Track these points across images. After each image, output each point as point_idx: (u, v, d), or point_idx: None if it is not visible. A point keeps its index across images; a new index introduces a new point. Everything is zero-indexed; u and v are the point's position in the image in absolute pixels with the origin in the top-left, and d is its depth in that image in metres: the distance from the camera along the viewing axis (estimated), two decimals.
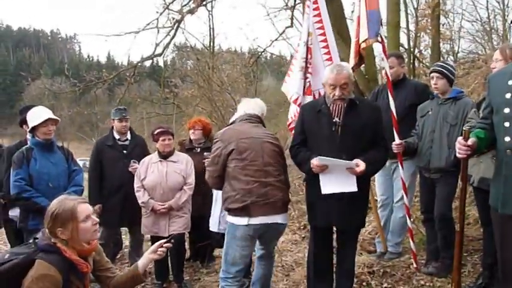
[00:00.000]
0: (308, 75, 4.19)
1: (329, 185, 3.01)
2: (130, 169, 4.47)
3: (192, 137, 4.77)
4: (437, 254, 3.82)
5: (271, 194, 3.08)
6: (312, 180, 3.16)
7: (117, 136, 4.74)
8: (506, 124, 2.37)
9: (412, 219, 4.03)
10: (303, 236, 5.51)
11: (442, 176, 3.68)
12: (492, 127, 2.50)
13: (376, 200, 4.52)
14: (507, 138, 2.36)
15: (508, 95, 2.37)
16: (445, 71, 3.73)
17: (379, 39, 3.88)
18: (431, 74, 3.82)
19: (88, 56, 64.46)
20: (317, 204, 3.14)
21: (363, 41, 3.93)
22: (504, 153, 2.38)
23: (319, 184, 3.05)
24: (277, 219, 3.14)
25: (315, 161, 3.00)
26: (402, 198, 4.05)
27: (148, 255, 2.57)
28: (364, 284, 3.77)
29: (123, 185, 4.52)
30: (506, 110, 2.37)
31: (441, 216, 3.68)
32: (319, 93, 4.13)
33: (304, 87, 4.15)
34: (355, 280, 3.54)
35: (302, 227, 5.80)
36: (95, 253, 2.46)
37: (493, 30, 20.26)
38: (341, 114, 3.07)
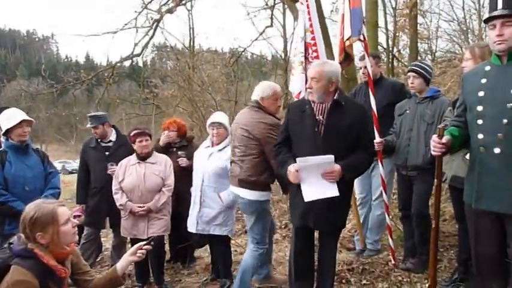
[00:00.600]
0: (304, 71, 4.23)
1: (311, 193, 2.98)
2: (108, 172, 4.45)
3: (165, 140, 4.66)
4: (414, 250, 3.90)
5: (233, 169, 3.64)
6: None
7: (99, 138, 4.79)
8: (479, 122, 2.42)
9: (390, 217, 4.08)
10: (283, 235, 5.53)
11: (419, 174, 3.74)
12: (466, 125, 2.56)
13: (356, 198, 4.57)
14: (480, 136, 2.41)
15: (480, 93, 2.42)
16: (422, 71, 3.79)
17: (361, 37, 3.93)
18: (408, 74, 3.88)
19: (66, 57, 63.40)
20: (298, 204, 3.13)
21: (347, 39, 3.97)
22: (477, 150, 2.44)
23: (297, 187, 3.06)
24: (238, 192, 3.57)
25: (292, 168, 3.01)
26: (380, 195, 4.12)
27: (128, 258, 2.55)
28: (343, 281, 3.80)
29: (104, 186, 4.53)
30: (479, 108, 2.42)
31: (418, 213, 3.74)
32: None
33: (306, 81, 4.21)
34: (335, 278, 3.57)
35: (283, 226, 5.82)
36: (73, 256, 2.43)
37: (469, 30, 20.69)
38: (324, 114, 3.07)
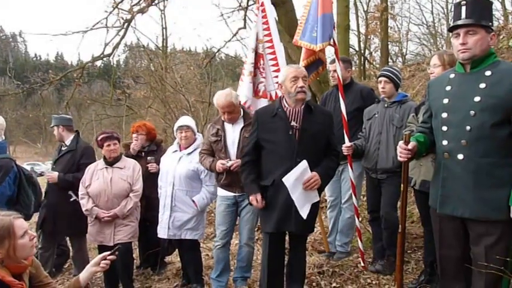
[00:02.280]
0: (262, 79, 4.34)
1: (304, 207, 3.04)
2: (45, 177, 4.48)
3: (136, 147, 4.61)
4: (383, 252, 3.94)
5: None
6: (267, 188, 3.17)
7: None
8: (444, 128, 2.46)
9: (359, 219, 4.12)
10: (256, 237, 5.50)
11: (388, 177, 3.78)
12: (431, 131, 2.61)
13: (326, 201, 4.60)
14: (445, 142, 2.46)
15: (445, 101, 2.47)
16: (393, 76, 3.85)
17: (332, 42, 3.96)
18: (380, 78, 3.91)
19: (35, 55, 61.37)
20: (275, 210, 3.11)
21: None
22: (442, 156, 2.48)
23: (272, 193, 3.08)
24: None
25: (258, 198, 3.10)
26: (350, 199, 4.15)
27: (91, 268, 2.46)
28: (314, 284, 3.80)
29: (48, 192, 4.51)
30: (444, 115, 2.46)
31: (387, 215, 3.79)
32: (276, 95, 4.29)
33: (253, 90, 4.33)
34: (306, 281, 3.58)
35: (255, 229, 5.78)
36: (31, 268, 2.33)
37: (438, 34, 21.28)
38: (299, 119, 3.06)
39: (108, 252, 2.48)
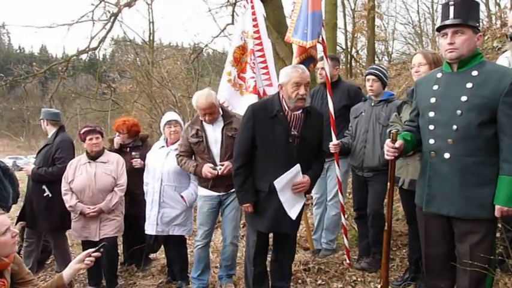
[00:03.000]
0: (253, 74, 4.31)
1: (294, 209, 3.08)
2: (22, 171, 4.44)
3: (118, 141, 4.57)
4: (368, 249, 3.97)
5: None
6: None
7: None
8: (431, 127, 2.48)
9: (345, 216, 4.14)
10: (241, 234, 5.49)
11: (375, 175, 3.80)
12: (418, 129, 2.63)
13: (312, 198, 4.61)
14: (431, 141, 2.48)
15: (432, 100, 2.48)
16: (380, 74, 3.86)
17: (320, 39, 3.95)
18: (368, 77, 3.91)
19: (19, 48, 60.07)
20: (267, 211, 3.10)
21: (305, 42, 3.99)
22: (428, 154, 2.50)
23: (266, 194, 3.07)
24: None
25: (250, 209, 3.11)
26: (336, 196, 4.17)
27: (75, 265, 2.41)
28: (299, 281, 3.82)
29: (28, 186, 4.47)
30: (431, 114, 2.48)
31: (374, 213, 3.81)
32: (264, 92, 4.35)
33: (239, 86, 4.40)
34: (291, 278, 3.58)
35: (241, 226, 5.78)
36: (13, 264, 2.28)
37: (423, 33, 21.53)
38: (299, 125, 3.03)
39: (93, 249, 2.44)
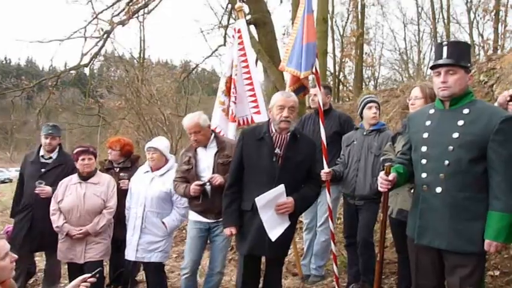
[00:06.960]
0: (232, 104, 4.35)
1: (274, 230, 3.04)
2: (36, 191, 4.13)
3: (109, 157, 4.59)
4: (358, 276, 3.98)
5: None
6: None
7: (42, 152, 4.46)
8: (423, 161, 2.55)
9: (335, 243, 4.16)
10: (229, 257, 5.46)
11: (365, 203, 3.85)
12: (411, 162, 2.70)
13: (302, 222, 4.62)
14: (424, 175, 2.54)
15: (425, 135, 2.56)
16: (379, 105, 3.98)
17: (314, 70, 4.04)
18: (369, 104, 3.95)
19: (5, 59, 59.21)
20: (249, 233, 3.10)
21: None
22: (421, 188, 2.56)
23: (249, 216, 3.08)
24: None
25: (234, 230, 3.14)
26: (326, 222, 4.20)
27: None
28: None
29: (31, 204, 4.28)
30: (423, 149, 2.55)
31: (363, 242, 3.84)
32: (244, 121, 4.43)
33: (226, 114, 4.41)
34: None
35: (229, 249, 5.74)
36: None
37: (409, 60, 22.04)
38: (283, 146, 3.08)
39: (89, 275, 2.42)
